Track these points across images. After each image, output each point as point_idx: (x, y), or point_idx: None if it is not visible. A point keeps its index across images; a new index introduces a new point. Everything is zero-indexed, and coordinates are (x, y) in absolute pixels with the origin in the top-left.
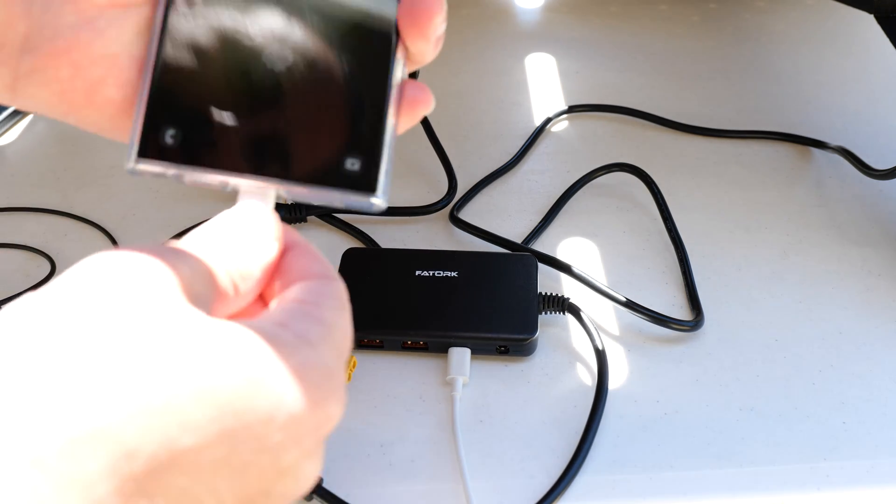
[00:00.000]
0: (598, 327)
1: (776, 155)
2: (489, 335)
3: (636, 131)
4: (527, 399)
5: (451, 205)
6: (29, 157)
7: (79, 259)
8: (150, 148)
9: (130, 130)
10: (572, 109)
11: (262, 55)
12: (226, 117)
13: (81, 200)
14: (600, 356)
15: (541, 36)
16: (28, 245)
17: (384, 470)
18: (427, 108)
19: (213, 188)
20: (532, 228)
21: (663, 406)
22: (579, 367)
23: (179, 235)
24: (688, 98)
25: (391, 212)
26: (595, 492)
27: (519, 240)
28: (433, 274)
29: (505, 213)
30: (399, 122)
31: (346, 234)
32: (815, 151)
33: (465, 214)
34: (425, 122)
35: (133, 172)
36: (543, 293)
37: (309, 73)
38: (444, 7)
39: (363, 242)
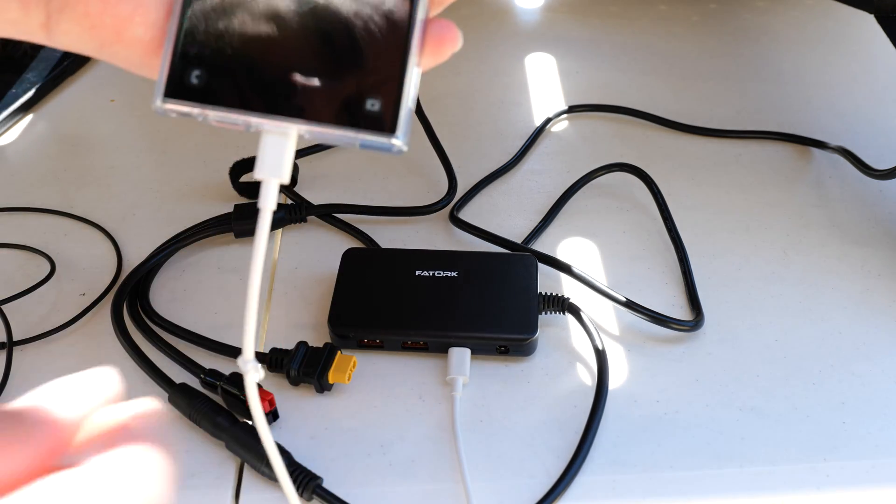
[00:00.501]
0: (598, 327)
1: (776, 155)
2: (489, 335)
3: (636, 131)
4: (527, 399)
5: (451, 205)
6: (29, 157)
7: (79, 259)
8: (177, 88)
9: (158, 70)
10: (572, 109)
11: None
12: (250, 58)
13: (81, 200)
14: (600, 356)
15: (541, 36)
16: (28, 245)
17: (384, 470)
18: (454, 45)
19: (237, 128)
20: (532, 228)
21: (663, 406)
22: (579, 367)
23: (180, 235)
24: (688, 98)
25: (391, 212)
26: (595, 492)
27: (519, 240)
28: (433, 274)
29: (505, 213)
30: (424, 61)
31: (346, 234)
32: (815, 151)
33: (465, 214)
34: (425, 122)
35: (160, 111)
36: (543, 293)
37: (332, 14)
38: None
39: (363, 242)
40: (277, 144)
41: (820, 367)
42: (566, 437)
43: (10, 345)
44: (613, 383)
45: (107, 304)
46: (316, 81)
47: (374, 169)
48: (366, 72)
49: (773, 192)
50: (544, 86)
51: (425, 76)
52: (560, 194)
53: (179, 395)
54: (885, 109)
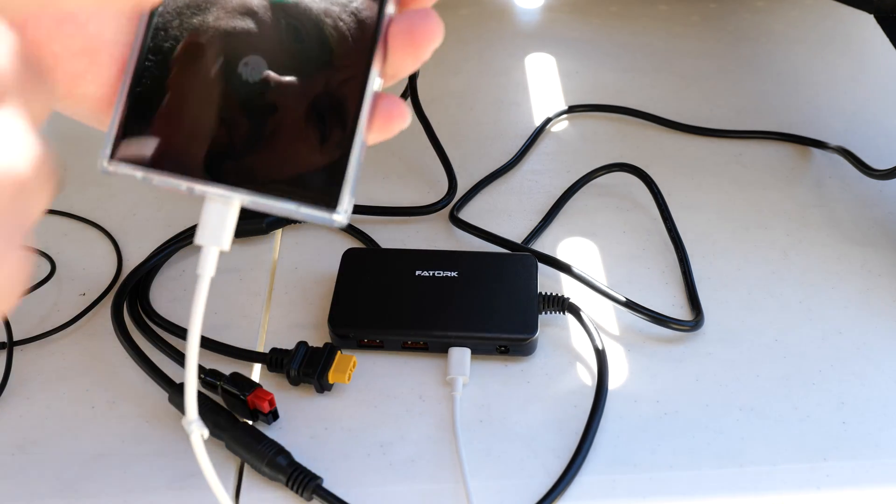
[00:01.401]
0: (598, 327)
1: (776, 155)
2: (489, 335)
3: (636, 131)
4: (527, 399)
5: (451, 205)
6: None
7: (79, 259)
8: (122, 151)
9: (107, 130)
10: (572, 109)
11: (237, 67)
12: (197, 126)
13: (81, 200)
14: (600, 356)
15: (541, 36)
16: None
17: (384, 470)
18: (403, 123)
19: (180, 193)
20: (532, 228)
21: (663, 406)
22: (579, 367)
23: (180, 236)
24: (688, 98)
25: (391, 212)
26: (595, 492)
27: (519, 240)
28: (433, 274)
29: (505, 213)
30: (370, 136)
31: (346, 234)
32: (815, 151)
33: (465, 214)
34: (425, 122)
35: (105, 172)
36: (543, 293)
37: (281, 86)
38: (443, 30)
39: (363, 242)
40: (219, 212)
41: (820, 367)
42: (566, 437)
43: (10, 345)
44: (613, 383)
45: (107, 304)
46: (261, 153)
47: (374, 169)
48: (312, 146)
49: (773, 192)
50: (544, 86)
51: (427, 75)
52: (560, 194)
53: (179, 395)
54: (885, 109)
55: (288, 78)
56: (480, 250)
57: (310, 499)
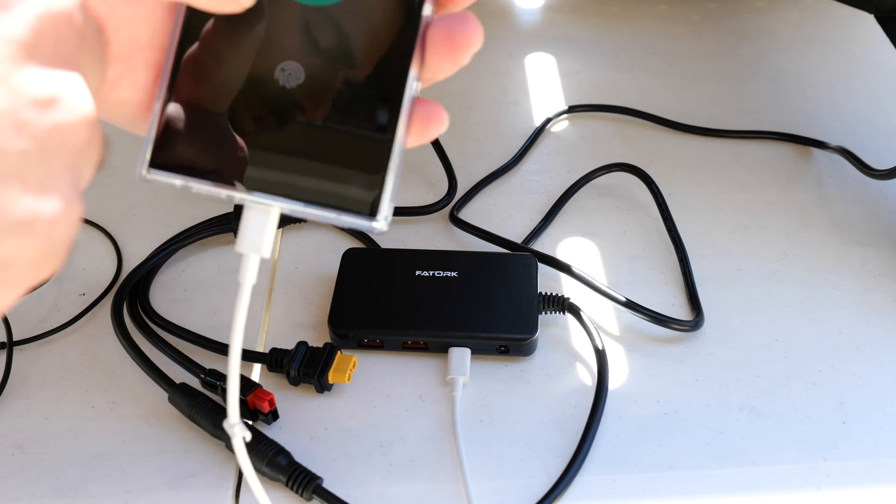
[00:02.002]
0: (598, 327)
1: (776, 155)
2: (489, 335)
3: (636, 131)
4: (527, 399)
5: (451, 205)
6: None
7: (79, 259)
8: (161, 159)
9: (145, 138)
10: (572, 109)
11: (275, 73)
12: (235, 134)
13: None
14: (600, 356)
15: (541, 36)
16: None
17: (384, 470)
18: (441, 127)
19: (219, 200)
20: (532, 228)
21: (663, 406)
22: (579, 367)
23: (180, 235)
24: (688, 98)
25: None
26: (595, 492)
27: (519, 240)
28: (433, 274)
29: (505, 213)
30: (409, 140)
31: (346, 234)
32: (815, 151)
33: (465, 214)
34: None
35: (143, 181)
36: (543, 293)
37: (319, 94)
38: (482, 33)
39: (363, 242)
40: (259, 220)
41: (820, 367)
42: (566, 437)
43: (10, 345)
44: (613, 383)
45: (107, 304)
46: (301, 161)
47: None
48: (351, 153)
49: (773, 192)
50: (544, 86)
51: None
52: (560, 194)
53: (179, 395)
54: (884, 109)
55: (326, 84)
56: (480, 250)
57: (310, 499)
